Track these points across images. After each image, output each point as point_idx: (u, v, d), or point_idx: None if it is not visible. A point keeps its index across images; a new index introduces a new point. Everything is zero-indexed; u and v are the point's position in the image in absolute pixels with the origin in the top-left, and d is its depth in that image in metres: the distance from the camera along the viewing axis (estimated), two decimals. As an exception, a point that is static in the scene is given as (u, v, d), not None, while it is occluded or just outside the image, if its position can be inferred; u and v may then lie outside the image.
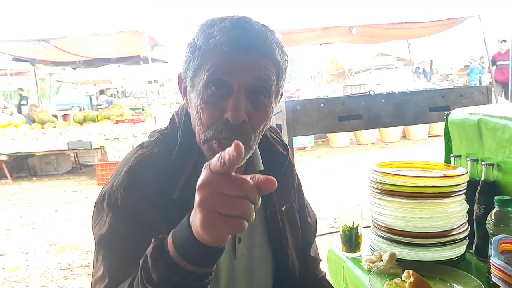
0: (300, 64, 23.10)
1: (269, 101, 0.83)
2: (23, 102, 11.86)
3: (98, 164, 6.89)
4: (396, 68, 16.95)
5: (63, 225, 4.65)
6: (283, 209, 1.02)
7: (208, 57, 0.79)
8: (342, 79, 17.48)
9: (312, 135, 8.62)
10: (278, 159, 1.00)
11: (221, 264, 0.92)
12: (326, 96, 3.11)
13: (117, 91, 19.96)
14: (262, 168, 0.96)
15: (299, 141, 8.73)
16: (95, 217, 0.84)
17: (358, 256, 1.35)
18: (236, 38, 0.77)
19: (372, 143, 9.15)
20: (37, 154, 7.36)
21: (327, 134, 8.96)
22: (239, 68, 0.78)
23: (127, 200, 0.80)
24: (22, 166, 7.94)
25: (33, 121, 7.90)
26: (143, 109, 10.07)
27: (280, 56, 0.83)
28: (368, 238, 1.36)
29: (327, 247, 1.52)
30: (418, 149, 8.13)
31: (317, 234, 1.21)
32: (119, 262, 0.77)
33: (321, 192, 5.24)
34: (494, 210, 1.09)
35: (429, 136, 9.02)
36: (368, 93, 2.60)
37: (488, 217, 1.10)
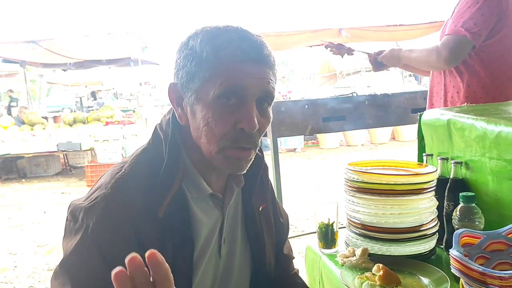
0: (292, 66, 23.19)
1: (270, 108, 0.90)
2: (13, 103, 11.76)
3: (87, 166, 6.88)
4: (387, 70, 17.06)
5: (52, 226, 4.64)
6: (260, 209, 1.05)
7: (219, 69, 0.81)
8: (334, 81, 17.54)
9: (302, 137, 8.68)
10: (255, 161, 1.01)
11: (209, 265, 0.94)
12: (310, 97, 3.16)
13: (108, 93, 19.83)
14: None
15: (289, 142, 8.78)
16: (66, 232, 0.84)
17: (334, 252, 1.39)
18: (247, 51, 0.81)
19: (362, 145, 9.24)
20: (26, 155, 7.33)
21: (317, 136, 9.03)
22: (251, 80, 0.82)
23: (97, 231, 0.79)
24: (11, 168, 7.89)
25: (23, 122, 7.85)
26: (133, 111, 10.05)
27: (275, 65, 0.89)
28: (344, 235, 1.40)
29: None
30: (407, 150, 8.23)
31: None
32: None
33: (310, 193, 5.30)
34: (459, 206, 1.14)
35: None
36: (351, 95, 2.65)
37: (454, 213, 1.15)
